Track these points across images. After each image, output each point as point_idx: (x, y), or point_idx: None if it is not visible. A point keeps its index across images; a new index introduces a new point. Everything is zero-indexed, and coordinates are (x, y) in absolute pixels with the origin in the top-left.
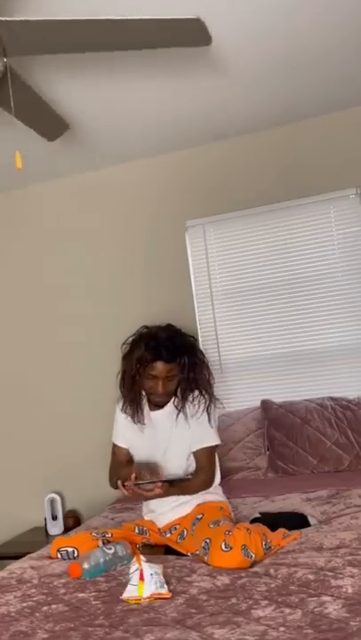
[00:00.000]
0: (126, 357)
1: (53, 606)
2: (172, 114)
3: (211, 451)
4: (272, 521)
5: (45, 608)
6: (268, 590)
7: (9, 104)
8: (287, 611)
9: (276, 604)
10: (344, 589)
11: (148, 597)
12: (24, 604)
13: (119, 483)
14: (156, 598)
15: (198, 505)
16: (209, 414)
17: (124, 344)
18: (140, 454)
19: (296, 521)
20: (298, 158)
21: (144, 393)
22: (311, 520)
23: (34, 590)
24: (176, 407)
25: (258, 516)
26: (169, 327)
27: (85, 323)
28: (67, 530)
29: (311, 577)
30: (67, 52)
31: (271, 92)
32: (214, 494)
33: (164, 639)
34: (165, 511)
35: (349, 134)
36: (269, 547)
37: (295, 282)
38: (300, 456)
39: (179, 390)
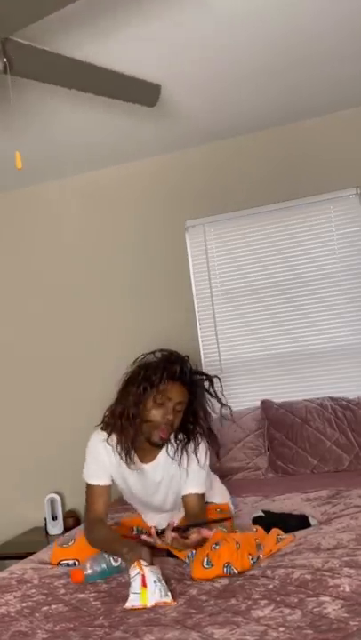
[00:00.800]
0: (133, 378)
1: (53, 606)
2: (171, 114)
3: (203, 497)
4: (274, 520)
5: (45, 608)
6: (266, 591)
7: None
8: (286, 611)
9: (276, 604)
10: (342, 589)
11: (153, 606)
12: (24, 604)
13: (153, 530)
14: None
15: None
16: (205, 457)
17: (136, 360)
18: (132, 497)
19: (298, 522)
20: (298, 158)
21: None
22: (312, 521)
23: (34, 591)
24: (171, 456)
25: (261, 514)
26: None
27: (85, 323)
28: (66, 530)
29: (308, 577)
30: (42, 81)
31: (271, 92)
32: (217, 496)
33: (163, 639)
34: (163, 517)
35: (349, 134)
36: (258, 557)
37: (295, 282)
38: (300, 456)
39: (176, 436)
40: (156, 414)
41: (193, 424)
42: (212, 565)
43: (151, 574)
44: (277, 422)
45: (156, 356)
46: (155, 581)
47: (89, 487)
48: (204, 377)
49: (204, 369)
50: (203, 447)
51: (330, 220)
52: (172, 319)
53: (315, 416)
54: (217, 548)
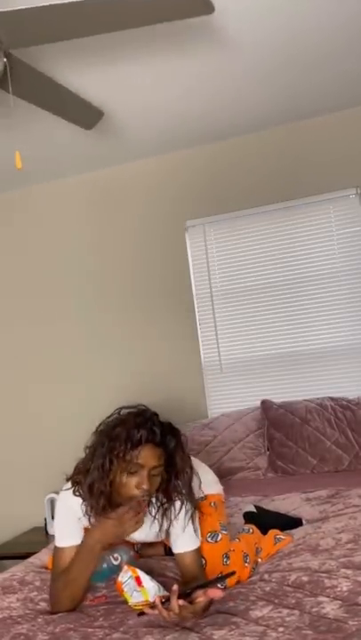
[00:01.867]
0: (96, 450)
1: None
2: (171, 114)
3: (197, 552)
4: (266, 519)
5: (46, 610)
6: (264, 593)
7: (20, 95)
8: (285, 612)
9: (274, 605)
10: (339, 589)
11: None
12: (25, 606)
13: (158, 600)
14: (162, 600)
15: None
16: (193, 525)
17: (100, 425)
18: None
19: (290, 522)
20: (298, 158)
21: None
22: (305, 522)
23: (35, 593)
24: (155, 518)
25: (253, 509)
26: (147, 408)
27: (85, 323)
28: None
29: (305, 579)
30: (65, 38)
31: (271, 92)
32: (207, 487)
33: None
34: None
35: (349, 134)
36: (257, 562)
37: (295, 282)
38: (299, 456)
39: (157, 497)
40: (129, 485)
41: (171, 482)
42: (225, 586)
43: (144, 574)
44: (277, 422)
45: (121, 416)
46: (150, 579)
47: (61, 550)
48: (180, 435)
49: (204, 369)
50: (183, 511)
51: (330, 220)
52: (172, 319)
53: (315, 416)
54: (228, 563)
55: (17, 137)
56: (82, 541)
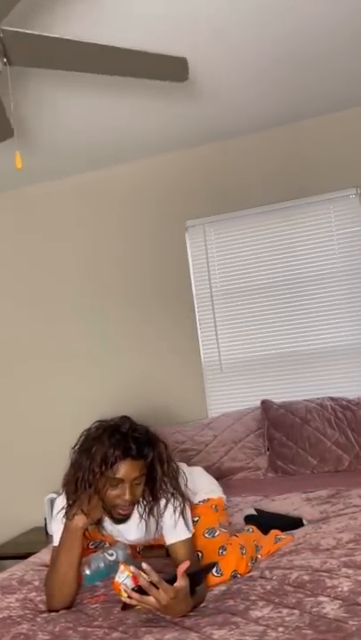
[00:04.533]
0: (77, 462)
1: None
2: (171, 114)
3: (189, 543)
4: (266, 519)
5: (45, 609)
6: (264, 592)
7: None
8: (285, 611)
9: (274, 605)
10: (340, 589)
11: None
12: (25, 606)
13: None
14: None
15: (194, 505)
16: (184, 517)
17: (75, 446)
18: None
19: (290, 522)
20: (298, 158)
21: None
22: (305, 522)
23: (35, 593)
24: (143, 517)
25: (253, 513)
26: (126, 418)
27: (85, 323)
28: None
29: (306, 578)
30: (63, 69)
31: (271, 92)
32: (210, 492)
33: None
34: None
35: (349, 134)
36: (256, 559)
37: (295, 282)
38: (300, 456)
39: (143, 497)
40: (111, 496)
41: (156, 482)
42: (221, 574)
43: (140, 572)
44: (277, 422)
45: (98, 433)
46: (146, 577)
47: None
48: (159, 442)
49: (204, 369)
50: (171, 508)
51: (330, 220)
52: (172, 319)
53: (315, 416)
54: (224, 553)
55: (17, 137)
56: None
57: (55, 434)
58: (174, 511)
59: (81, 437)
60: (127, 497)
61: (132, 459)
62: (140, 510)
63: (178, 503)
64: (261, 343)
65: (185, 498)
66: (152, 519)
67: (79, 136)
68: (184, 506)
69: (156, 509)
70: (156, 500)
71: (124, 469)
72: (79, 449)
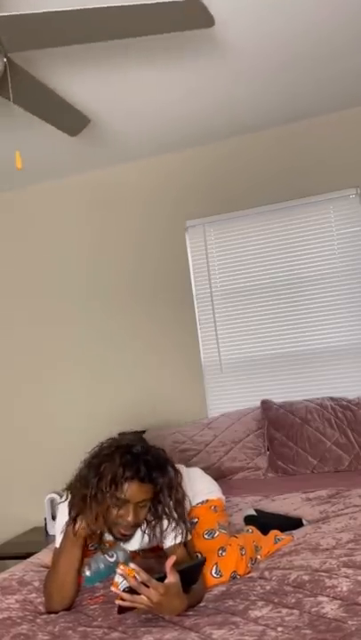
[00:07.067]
0: (85, 477)
1: None
2: (171, 114)
3: (188, 545)
4: (266, 521)
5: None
6: (264, 592)
7: (12, 99)
8: (284, 611)
9: (274, 605)
10: (339, 589)
11: None
12: (24, 607)
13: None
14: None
15: (192, 507)
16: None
17: (90, 456)
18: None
19: (290, 522)
20: (298, 158)
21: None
22: (305, 522)
23: (34, 595)
24: (145, 533)
25: (253, 513)
26: (141, 439)
27: (85, 323)
28: None
29: (306, 578)
30: (66, 44)
31: (271, 92)
32: (209, 493)
33: None
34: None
35: (349, 134)
36: (256, 559)
37: (295, 282)
38: (300, 456)
39: (145, 518)
40: (114, 515)
41: (161, 503)
42: (221, 575)
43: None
44: (277, 422)
45: (110, 450)
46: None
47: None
48: (170, 468)
49: (204, 369)
50: (172, 532)
51: (330, 220)
52: (172, 319)
53: (315, 416)
54: (223, 554)
55: (17, 137)
56: (64, 532)
57: (55, 434)
58: (175, 537)
59: (94, 449)
60: (130, 518)
61: (139, 481)
62: (143, 527)
63: (180, 530)
64: (261, 343)
65: (188, 527)
66: (151, 535)
67: (79, 136)
68: (186, 534)
69: (158, 528)
70: (159, 520)
71: (131, 491)
72: (89, 463)
